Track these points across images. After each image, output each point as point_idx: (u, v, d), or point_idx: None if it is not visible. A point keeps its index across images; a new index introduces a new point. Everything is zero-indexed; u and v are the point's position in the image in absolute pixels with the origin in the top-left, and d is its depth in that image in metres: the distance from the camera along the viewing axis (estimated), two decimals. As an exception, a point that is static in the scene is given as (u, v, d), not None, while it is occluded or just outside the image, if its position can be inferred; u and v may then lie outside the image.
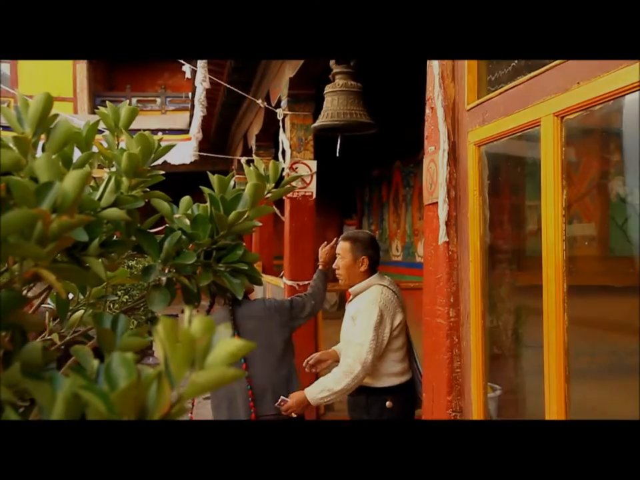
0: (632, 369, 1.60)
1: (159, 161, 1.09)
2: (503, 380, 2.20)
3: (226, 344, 0.49)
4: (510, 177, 2.16)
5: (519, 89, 1.76)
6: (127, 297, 2.96)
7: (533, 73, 1.68)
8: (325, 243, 3.31)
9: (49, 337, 1.02)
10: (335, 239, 3.26)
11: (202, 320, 0.50)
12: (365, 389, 2.81)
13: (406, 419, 2.84)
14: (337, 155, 3.92)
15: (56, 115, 0.85)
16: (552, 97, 1.58)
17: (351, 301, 2.97)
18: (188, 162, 8.56)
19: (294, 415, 2.86)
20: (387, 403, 2.77)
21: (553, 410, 1.57)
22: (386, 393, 2.80)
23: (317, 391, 2.74)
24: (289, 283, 4.71)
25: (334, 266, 2.99)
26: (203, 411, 5.79)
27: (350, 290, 2.96)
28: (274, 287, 5.71)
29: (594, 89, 1.43)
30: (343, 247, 2.95)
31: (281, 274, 5.13)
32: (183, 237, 0.94)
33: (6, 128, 0.87)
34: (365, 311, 2.76)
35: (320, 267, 3.31)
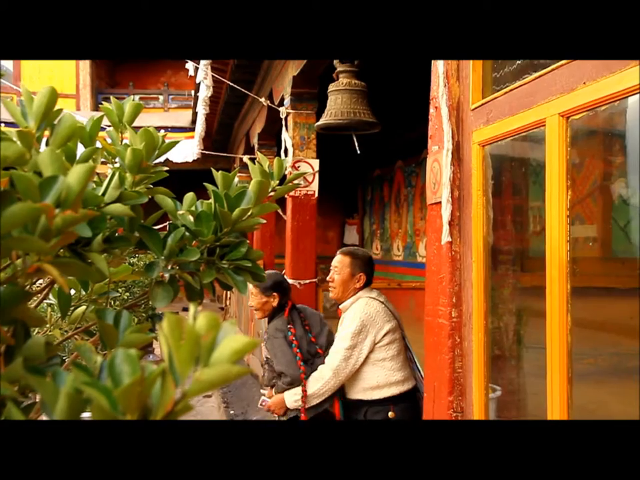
0: (634, 371, 1.59)
1: (161, 159, 1.09)
2: (503, 381, 2.20)
3: (231, 341, 0.49)
4: (514, 177, 2.15)
5: (524, 89, 1.75)
6: (127, 293, 2.96)
7: (538, 73, 1.67)
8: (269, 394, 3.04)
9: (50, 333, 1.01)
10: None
11: (207, 316, 0.50)
12: (365, 402, 2.79)
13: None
14: (358, 152, 3.92)
15: (60, 110, 0.84)
16: (557, 97, 1.57)
17: (341, 318, 2.97)
18: (191, 160, 8.56)
19: (275, 416, 2.92)
20: (390, 414, 2.74)
21: (555, 411, 1.56)
22: (388, 404, 2.76)
23: (292, 394, 2.83)
24: (291, 281, 4.71)
25: (328, 278, 2.98)
26: (202, 409, 5.80)
27: (340, 307, 2.97)
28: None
29: (600, 89, 1.42)
30: (341, 261, 2.94)
31: (283, 273, 5.13)
32: (187, 233, 0.93)
33: (9, 124, 0.87)
34: (346, 320, 2.82)
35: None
